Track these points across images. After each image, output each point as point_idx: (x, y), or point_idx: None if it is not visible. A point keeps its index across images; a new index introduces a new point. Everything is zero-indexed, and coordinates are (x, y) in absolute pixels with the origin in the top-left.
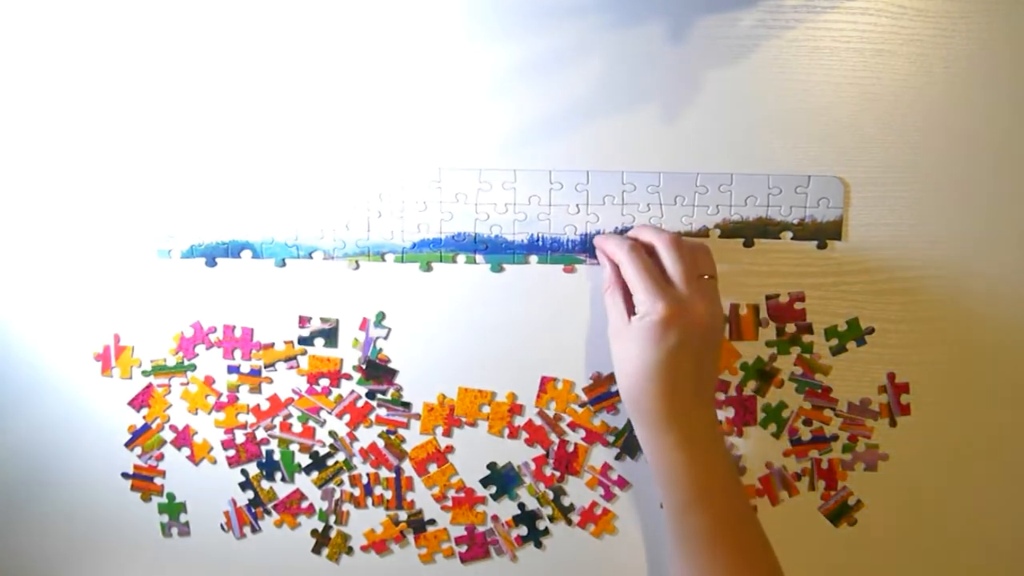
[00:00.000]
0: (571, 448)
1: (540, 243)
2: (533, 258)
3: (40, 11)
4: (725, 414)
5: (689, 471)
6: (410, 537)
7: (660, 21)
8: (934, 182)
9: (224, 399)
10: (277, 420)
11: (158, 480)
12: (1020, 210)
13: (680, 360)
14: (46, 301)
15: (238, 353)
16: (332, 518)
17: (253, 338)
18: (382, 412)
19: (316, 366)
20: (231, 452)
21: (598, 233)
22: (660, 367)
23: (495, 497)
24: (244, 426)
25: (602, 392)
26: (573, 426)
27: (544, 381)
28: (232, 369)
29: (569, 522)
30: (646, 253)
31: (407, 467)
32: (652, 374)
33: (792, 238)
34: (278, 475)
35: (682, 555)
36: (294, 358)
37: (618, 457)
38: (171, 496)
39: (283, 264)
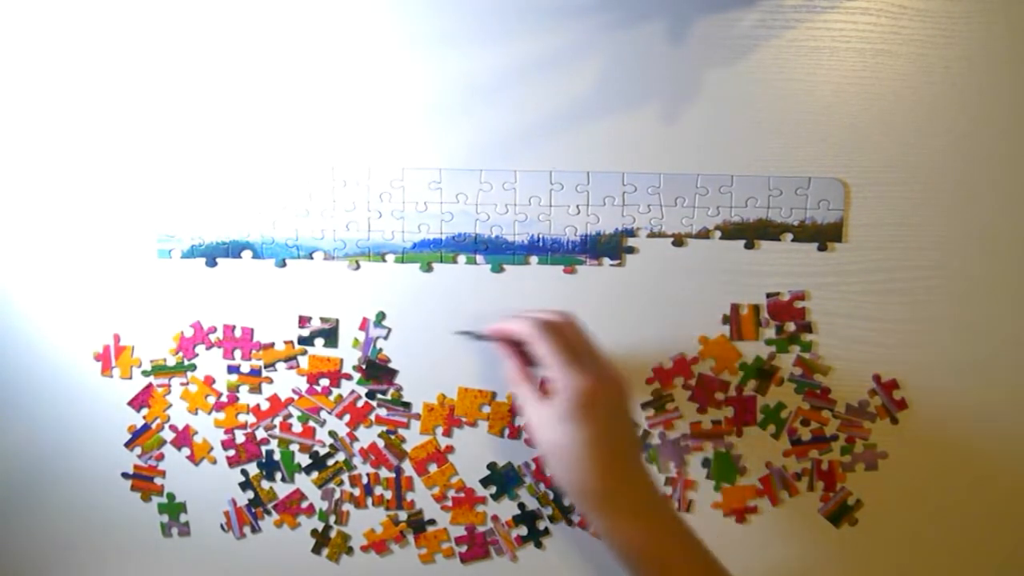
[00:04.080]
0: None
1: (540, 244)
2: (533, 259)
3: (40, 12)
4: (725, 414)
5: (652, 540)
6: (410, 537)
7: (660, 21)
8: (934, 182)
9: (224, 399)
10: (277, 420)
11: (158, 480)
12: (1020, 210)
13: (614, 429)
14: (47, 301)
15: (238, 353)
16: (332, 518)
17: (253, 338)
18: (382, 412)
19: (316, 366)
20: (231, 452)
21: (598, 234)
22: (598, 441)
23: (495, 497)
24: (244, 426)
25: None
26: None
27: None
28: (232, 369)
29: (569, 522)
30: (556, 330)
31: (407, 467)
32: (592, 451)
33: (792, 240)
34: (278, 475)
35: None
36: (294, 358)
37: None
38: (171, 496)
39: (283, 264)
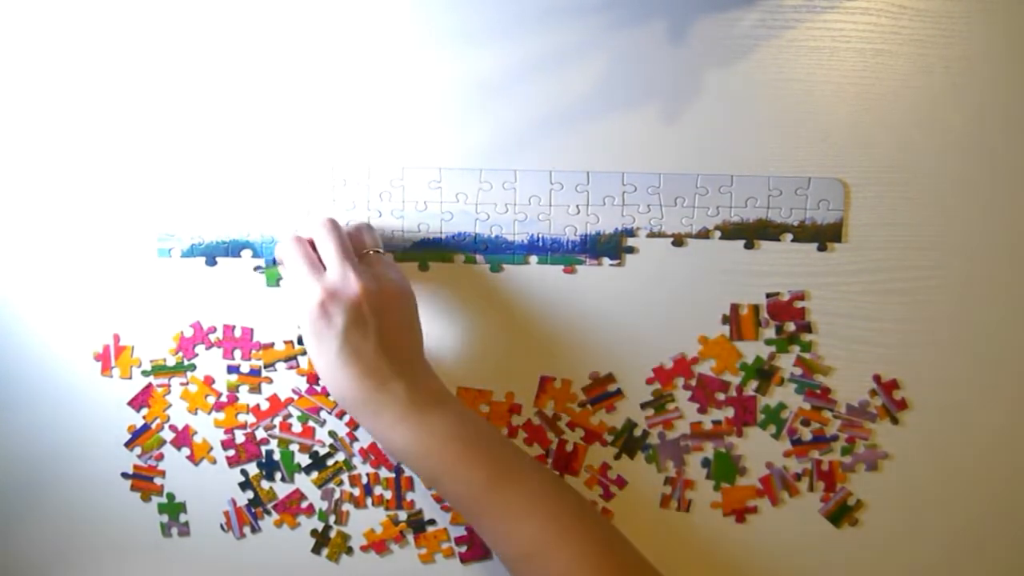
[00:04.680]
0: (570, 448)
1: (540, 243)
2: (533, 258)
3: (40, 11)
4: (725, 414)
5: (418, 440)
6: (410, 537)
7: (660, 21)
8: (934, 182)
9: (224, 399)
10: (277, 420)
11: (158, 480)
12: (1020, 210)
13: (358, 338)
14: (46, 301)
15: (238, 353)
16: (332, 518)
17: (253, 338)
18: None
19: None
20: (231, 452)
21: (598, 234)
22: (342, 353)
23: None
24: (244, 426)
25: (601, 392)
26: (572, 426)
27: (544, 381)
28: (232, 369)
29: None
30: (303, 245)
31: (407, 467)
32: (339, 361)
33: (792, 240)
34: (278, 475)
35: (479, 527)
36: (294, 358)
37: (617, 457)
38: (171, 496)
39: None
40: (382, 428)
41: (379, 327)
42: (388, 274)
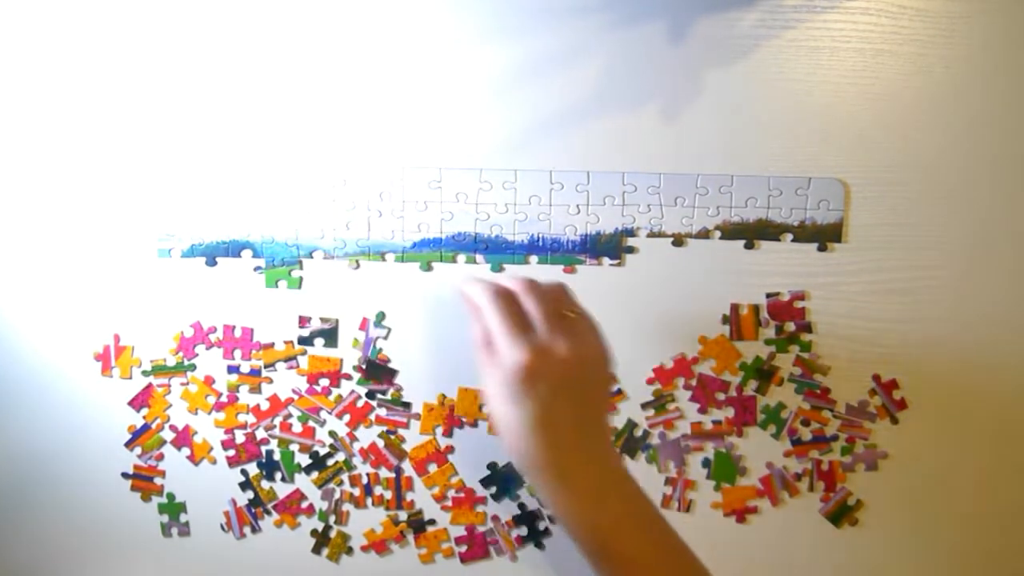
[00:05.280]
0: None
1: (540, 243)
2: (533, 258)
3: (40, 11)
4: (725, 414)
5: (590, 518)
6: (410, 537)
7: (660, 21)
8: (934, 182)
9: (224, 399)
10: (277, 420)
11: (158, 480)
12: (1019, 210)
13: (556, 409)
14: (47, 301)
15: (238, 353)
16: (332, 518)
17: (253, 338)
18: (382, 412)
19: (316, 366)
20: (231, 452)
21: (598, 234)
22: (538, 420)
23: (495, 497)
24: (244, 426)
25: None
26: None
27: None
28: (232, 369)
29: None
30: (510, 299)
31: (407, 467)
32: (532, 429)
33: (792, 240)
34: (278, 475)
35: None
36: (294, 358)
37: None
38: (171, 496)
39: (283, 263)
40: (557, 498)
41: (578, 397)
42: (585, 344)
